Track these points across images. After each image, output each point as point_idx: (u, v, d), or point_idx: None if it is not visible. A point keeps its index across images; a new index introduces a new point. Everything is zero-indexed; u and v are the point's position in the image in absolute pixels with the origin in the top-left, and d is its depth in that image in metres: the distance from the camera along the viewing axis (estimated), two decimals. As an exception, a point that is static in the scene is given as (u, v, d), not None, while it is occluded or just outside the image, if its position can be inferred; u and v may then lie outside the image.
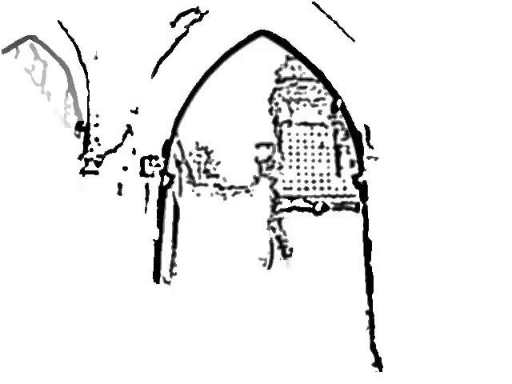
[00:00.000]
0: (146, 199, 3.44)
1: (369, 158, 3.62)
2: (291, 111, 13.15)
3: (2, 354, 4.94)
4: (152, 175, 3.48)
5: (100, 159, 3.35)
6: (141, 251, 3.43)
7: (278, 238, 12.28)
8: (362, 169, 3.74)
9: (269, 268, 14.03)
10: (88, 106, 3.50)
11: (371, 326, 3.64)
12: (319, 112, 13.04)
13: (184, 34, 3.65)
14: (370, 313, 3.68)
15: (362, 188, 3.75)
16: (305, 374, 10.94)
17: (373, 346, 3.57)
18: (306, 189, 12.51)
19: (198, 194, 24.00)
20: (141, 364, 4.82)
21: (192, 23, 3.65)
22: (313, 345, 11.58)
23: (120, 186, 3.27)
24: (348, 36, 3.64)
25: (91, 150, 3.32)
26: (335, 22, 3.74)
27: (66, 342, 4.08)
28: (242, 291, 16.02)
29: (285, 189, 12.64)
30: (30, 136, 5.55)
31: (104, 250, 3.43)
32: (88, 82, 3.46)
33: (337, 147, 13.02)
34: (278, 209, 12.56)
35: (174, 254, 21.36)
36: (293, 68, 13.28)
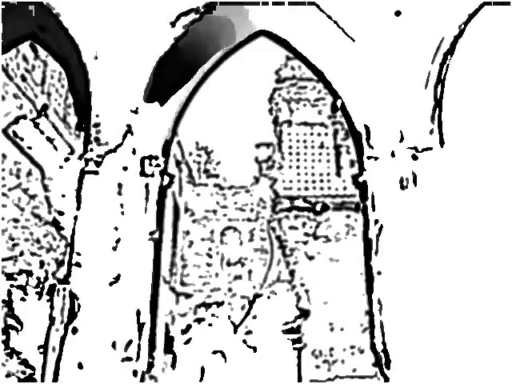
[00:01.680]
0: (146, 199, 3.44)
1: (369, 158, 3.62)
2: (291, 111, 13.16)
3: None
4: (152, 175, 3.47)
5: (100, 159, 3.34)
6: (141, 251, 3.43)
7: (278, 238, 12.27)
8: (361, 169, 3.73)
9: (269, 269, 14.00)
10: (88, 106, 3.50)
11: (371, 326, 3.64)
12: (319, 112, 13.05)
13: (184, 34, 3.65)
14: (370, 313, 3.68)
15: (362, 188, 3.74)
16: (306, 370, 10.92)
17: (373, 346, 3.57)
18: (306, 189, 12.52)
19: (198, 194, 24.03)
20: None
21: (192, 23, 3.64)
22: (311, 343, 11.56)
23: (120, 185, 3.27)
24: (348, 36, 3.64)
25: (91, 150, 3.31)
26: (335, 22, 3.74)
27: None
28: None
29: (285, 189, 12.65)
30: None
31: (104, 249, 3.43)
32: (88, 81, 3.45)
33: (337, 147, 13.03)
34: (277, 209, 12.56)
35: (173, 254, 21.30)
36: (293, 68, 13.28)
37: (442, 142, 3.53)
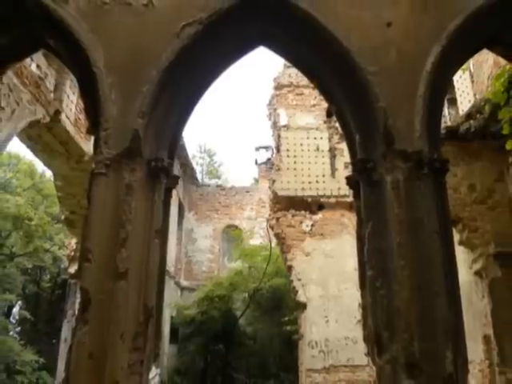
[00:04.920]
0: (153, 199, 3.44)
1: (362, 160, 3.62)
2: (289, 116, 13.16)
3: None
4: (158, 176, 3.47)
5: (109, 162, 3.34)
6: (147, 248, 3.43)
7: (277, 235, 12.28)
8: (355, 170, 3.73)
9: (267, 264, 14.04)
10: (98, 111, 3.50)
11: (364, 319, 3.64)
12: (315, 117, 13.05)
13: (188, 45, 3.65)
14: (363, 306, 3.68)
15: (355, 188, 3.74)
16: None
17: (365, 337, 3.57)
18: (303, 189, 12.54)
19: (201, 194, 23.87)
20: None
21: (195, 35, 3.65)
22: (308, 334, 11.59)
23: (128, 186, 3.27)
24: (342, 45, 3.64)
25: (101, 152, 3.31)
26: (329, 32, 3.74)
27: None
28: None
29: (283, 189, 12.68)
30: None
31: (113, 246, 3.43)
32: (98, 89, 3.45)
33: (331, 150, 13.04)
34: (276, 208, 12.57)
35: (178, 251, 21.00)
36: (290, 75, 13.30)
37: (430, 144, 3.52)
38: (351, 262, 9.20)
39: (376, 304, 3.35)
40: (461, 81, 9.27)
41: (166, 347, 16.77)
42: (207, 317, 16.67)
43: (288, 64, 11.60)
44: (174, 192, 4.38)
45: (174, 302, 17.53)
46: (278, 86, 13.65)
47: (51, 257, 21.53)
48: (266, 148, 22.09)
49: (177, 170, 17.61)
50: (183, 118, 4.11)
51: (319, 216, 12.24)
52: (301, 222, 12.15)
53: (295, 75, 13.18)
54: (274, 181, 12.64)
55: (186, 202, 21.65)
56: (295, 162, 12.52)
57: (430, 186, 3.54)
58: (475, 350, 7.49)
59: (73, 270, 13.06)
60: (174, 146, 4.02)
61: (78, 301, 3.24)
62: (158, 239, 3.57)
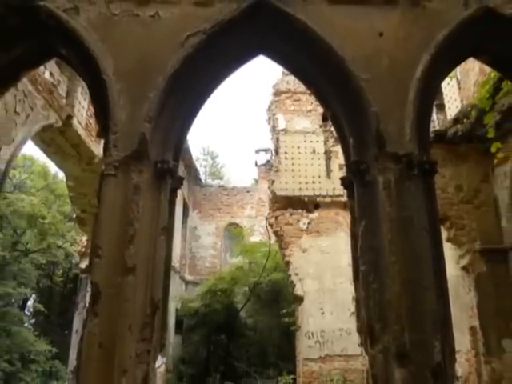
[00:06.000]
0: (159, 198, 3.44)
1: (355, 161, 3.62)
2: (287, 121, 13.15)
3: None
4: (164, 177, 3.48)
5: (118, 163, 3.34)
6: (154, 244, 3.43)
7: (276, 233, 12.27)
8: (349, 171, 3.74)
9: (267, 260, 14.02)
10: (107, 116, 3.51)
11: (357, 311, 3.64)
12: (312, 121, 13.04)
13: (192, 54, 3.65)
14: (356, 298, 3.69)
15: (349, 188, 3.75)
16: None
17: (359, 329, 3.57)
18: (300, 189, 12.53)
19: (205, 194, 23.86)
20: None
21: (199, 44, 3.65)
22: (305, 326, 11.59)
23: (136, 187, 3.27)
24: (337, 54, 3.64)
25: (110, 155, 3.31)
26: (324, 41, 3.74)
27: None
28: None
29: (281, 189, 12.67)
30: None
31: (121, 243, 3.44)
32: (107, 95, 3.46)
33: (327, 152, 13.03)
34: (275, 207, 12.56)
35: (183, 247, 20.96)
36: (288, 82, 13.29)
37: (420, 147, 3.53)
38: (345, 258, 9.18)
39: (369, 297, 3.35)
40: (448, 87, 9.27)
41: (172, 338, 16.78)
42: (210, 309, 16.69)
43: (286, 72, 11.60)
44: (179, 192, 4.38)
45: (179, 295, 17.55)
46: (277, 93, 13.65)
47: (63, 253, 21.54)
48: (266, 150, 22.10)
49: (181, 171, 17.61)
50: (188, 123, 4.11)
51: (315, 214, 12.23)
52: (298, 220, 12.14)
53: (293, 82, 13.17)
54: (273, 181, 12.64)
55: (191, 201, 21.65)
56: (293, 164, 12.52)
57: (420, 187, 3.54)
58: (462, 341, 7.49)
59: (84, 265, 13.04)
60: (179, 148, 4.02)
61: (88, 294, 3.24)
62: (164, 236, 3.57)
